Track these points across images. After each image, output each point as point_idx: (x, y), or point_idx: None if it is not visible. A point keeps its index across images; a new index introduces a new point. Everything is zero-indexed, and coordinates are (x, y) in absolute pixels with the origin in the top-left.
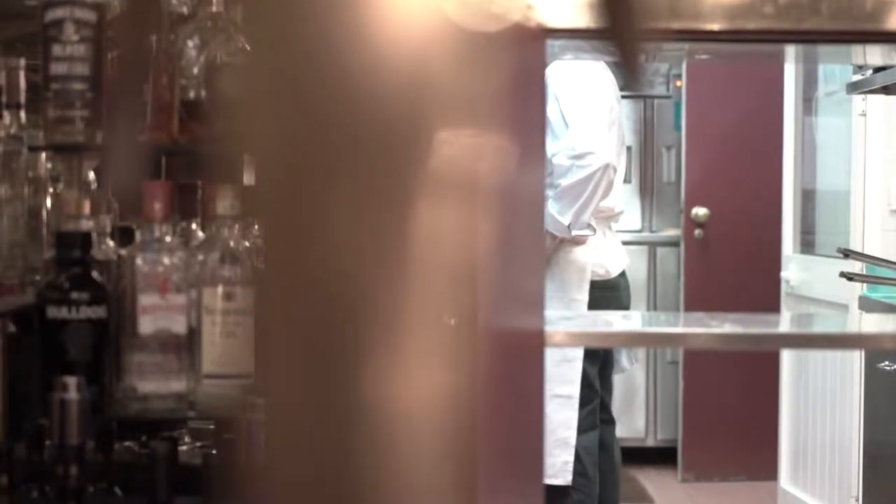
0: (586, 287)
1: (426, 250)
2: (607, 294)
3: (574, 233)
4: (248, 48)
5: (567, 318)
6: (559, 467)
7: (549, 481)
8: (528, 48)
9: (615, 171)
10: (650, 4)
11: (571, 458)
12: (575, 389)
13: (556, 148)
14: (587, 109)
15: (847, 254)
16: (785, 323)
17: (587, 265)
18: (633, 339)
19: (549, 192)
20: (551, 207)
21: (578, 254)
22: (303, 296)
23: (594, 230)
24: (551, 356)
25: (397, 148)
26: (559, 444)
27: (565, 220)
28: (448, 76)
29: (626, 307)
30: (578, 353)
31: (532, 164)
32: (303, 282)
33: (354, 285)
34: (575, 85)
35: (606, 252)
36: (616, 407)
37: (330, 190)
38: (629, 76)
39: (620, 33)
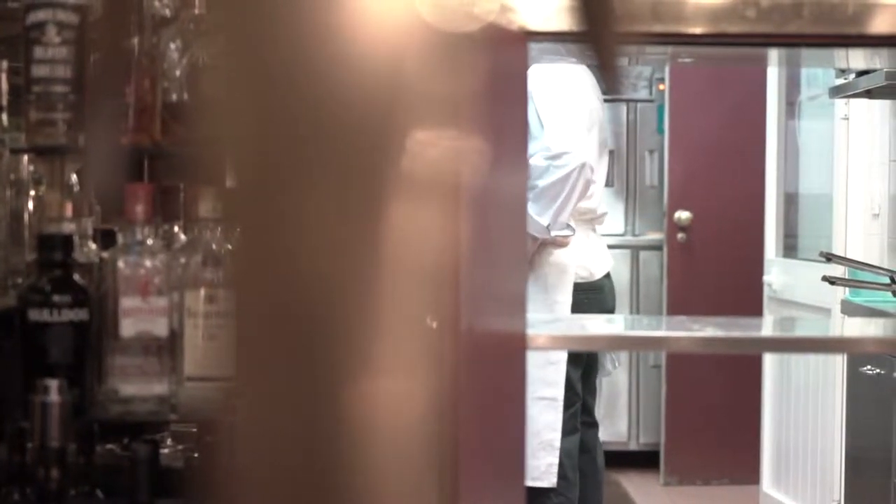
0: (569, 289)
1: (405, 252)
2: (591, 296)
3: (553, 233)
4: (223, 50)
5: (549, 321)
6: (543, 469)
7: (533, 483)
8: (508, 51)
9: (592, 170)
10: (631, 7)
11: (556, 461)
12: (559, 392)
13: (533, 149)
14: (563, 110)
15: (829, 258)
16: (767, 326)
17: (569, 267)
18: (616, 343)
19: (528, 195)
20: (530, 209)
21: (560, 255)
22: (278, 299)
23: (573, 230)
24: (535, 359)
25: (374, 149)
26: (544, 447)
27: (544, 221)
28: (424, 78)
29: (611, 309)
30: (562, 356)
31: (513, 167)
32: (279, 285)
33: (331, 288)
34: (551, 86)
35: (589, 254)
36: (599, 410)
37: (306, 192)
38: (608, 80)
39: (598, 37)
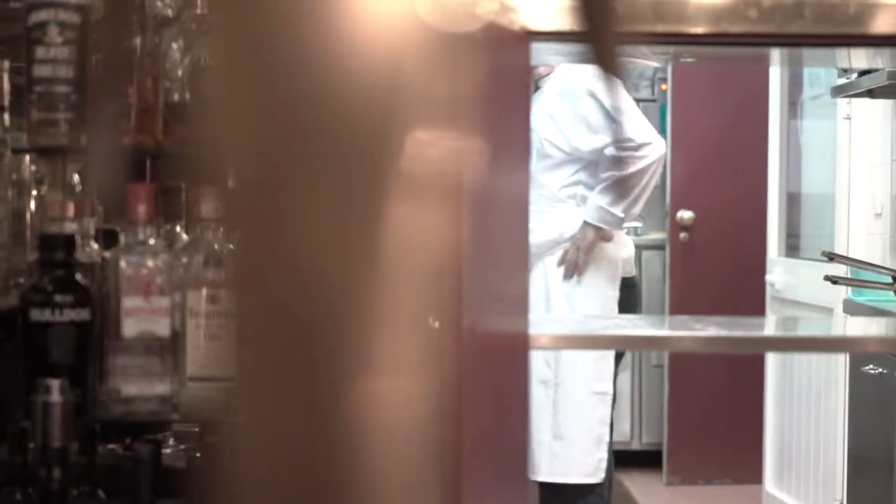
0: (618, 284)
1: (406, 252)
2: (631, 292)
3: (625, 225)
4: (223, 50)
5: (550, 320)
6: (594, 465)
7: (584, 480)
8: (510, 50)
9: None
10: (633, 7)
11: (606, 456)
12: (610, 386)
13: (597, 142)
14: (632, 103)
15: (832, 257)
16: (770, 326)
17: (619, 262)
18: (618, 342)
19: (579, 188)
20: (598, 199)
21: (610, 250)
22: (279, 299)
23: (643, 220)
24: (587, 353)
25: (375, 149)
26: (595, 442)
27: (618, 212)
28: (424, 78)
29: (640, 307)
30: (610, 350)
31: (515, 166)
32: (279, 285)
33: (332, 288)
34: None
35: (630, 250)
36: None
37: (307, 192)
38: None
39: (599, 37)
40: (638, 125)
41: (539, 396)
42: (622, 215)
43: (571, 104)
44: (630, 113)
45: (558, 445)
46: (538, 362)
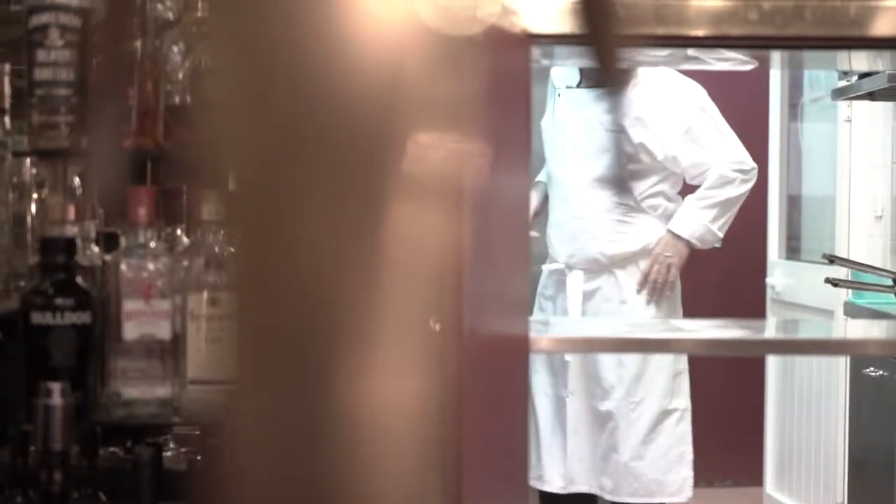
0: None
1: (407, 255)
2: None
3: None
4: (225, 53)
5: (550, 322)
6: (679, 484)
7: (669, 500)
8: (510, 53)
9: None
10: (634, 10)
11: (690, 474)
12: (687, 402)
13: (702, 157)
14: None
15: (832, 260)
16: (770, 329)
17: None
18: (619, 345)
19: (660, 199)
20: (701, 216)
21: None
22: (280, 302)
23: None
24: (664, 369)
25: (376, 152)
26: (678, 460)
27: (718, 231)
28: (425, 81)
29: None
30: (686, 364)
31: (515, 168)
32: (280, 287)
33: (333, 291)
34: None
35: None
36: None
37: (307, 195)
38: (610, 82)
39: (600, 39)
40: (742, 148)
41: (614, 416)
42: (720, 234)
43: (675, 114)
44: (732, 134)
45: (639, 466)
46: (610, 380)
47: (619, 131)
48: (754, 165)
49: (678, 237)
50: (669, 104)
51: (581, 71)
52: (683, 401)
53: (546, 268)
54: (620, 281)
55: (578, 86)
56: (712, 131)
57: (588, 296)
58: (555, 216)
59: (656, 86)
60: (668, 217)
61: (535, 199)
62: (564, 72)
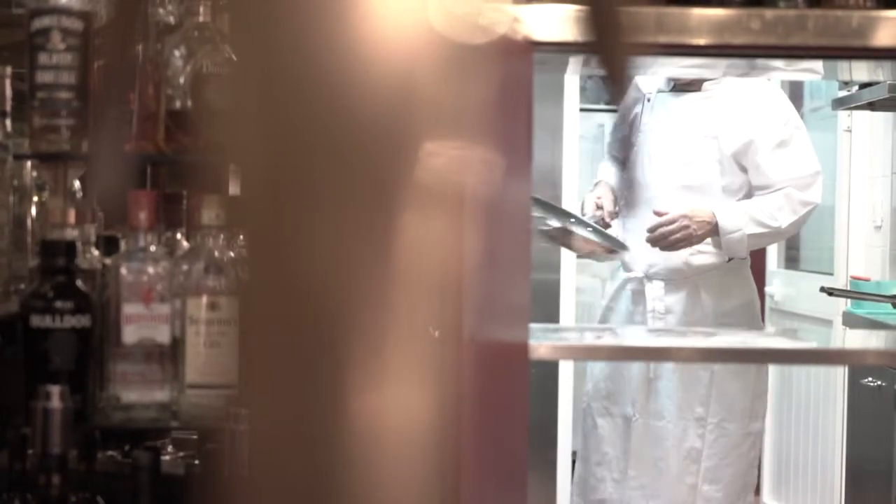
0: None
1: (411, 262)
2: None
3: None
4: (234, 60)
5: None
6: None
7: None
8: (515, 60)
9: None
10: (636, 19)
11: (753, 501)
12: (763, 426)
13: (791, 174)
14: None
15: (831, 293)
16: (769, 338)
17: None
18: (619, 353)
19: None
20: (748, 228)
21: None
22: (286, 307)
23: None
24: (744, 391)
25: (382, 159)
26: (744, 486)
27: (746, 252)
28: (433, 88)
29: None
30: (766, 386)
31: (519, 176)
32: (286, 293)
33: (338, 296)
34: None
35: None
36: None
37: (314, 201)
38: (615, 90)
39: (607, 47)
40: (818, 180)
41: (691, 436)
42: (745, 255)
43: (771, 129)
44: (815, 160)
45: (711, 490)
46: (690, 399)
47: (713, 137)
48: (816, 203)
49: (714, 224)
50: (765, 118)
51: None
52: (760, 424)
53: (622, 276)
54: (702, 294)
55: (672, 90)
56: (804, 148)
57: (669, 309)
58: (634, 222)
59: (754, 95)
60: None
61: (608, 199)
62: (652, 77)
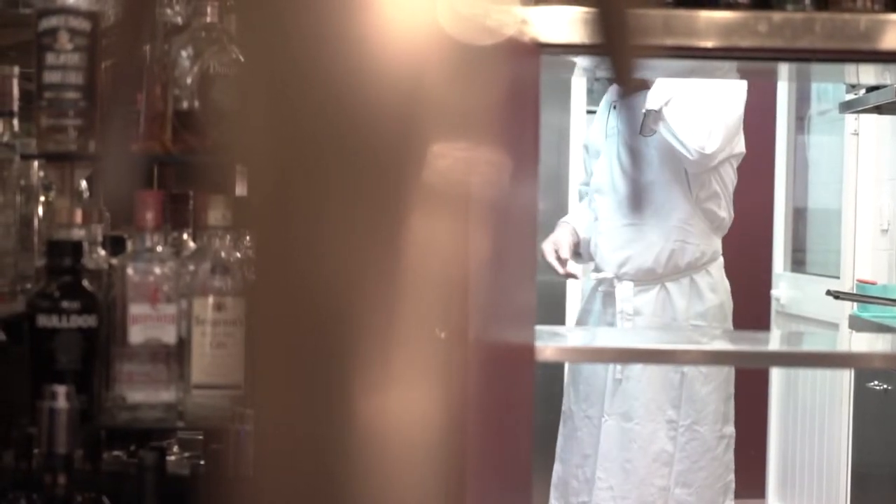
0: None
1: (418, 263)
2: None
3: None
4: (242, 60)
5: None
6: None
7: None
8: (522, 62)
9: None
10: (643, 21)
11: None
12: (734, 428)
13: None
14: None
15: (837, 296)
16: (775, 341)
17: None
18: (624, 356)
19: None
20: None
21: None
22: (293, 307)
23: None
24: (717, 392)
25: (390, 160)
26: (723, 490)
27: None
28: (442, 89)
29: None
30: (733, 389)
31: (526, 177)
32: (294, 293)
33: (345, 297)
34: None
35: None
36: None
37: (321, 202)
38: (624, 92)
39: (615, 49)
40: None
41: (661, 439)
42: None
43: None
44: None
45: (684, 493)
46: (661, 401)
47: (649, 135)
48: (709, 153)
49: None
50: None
51: None
52: (732, 427)
53: (593, 276)
54: (672, 296)
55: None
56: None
57: (638, 311)
58: (605, 224)
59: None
60: (723, 230)
61: (565, 244)
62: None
